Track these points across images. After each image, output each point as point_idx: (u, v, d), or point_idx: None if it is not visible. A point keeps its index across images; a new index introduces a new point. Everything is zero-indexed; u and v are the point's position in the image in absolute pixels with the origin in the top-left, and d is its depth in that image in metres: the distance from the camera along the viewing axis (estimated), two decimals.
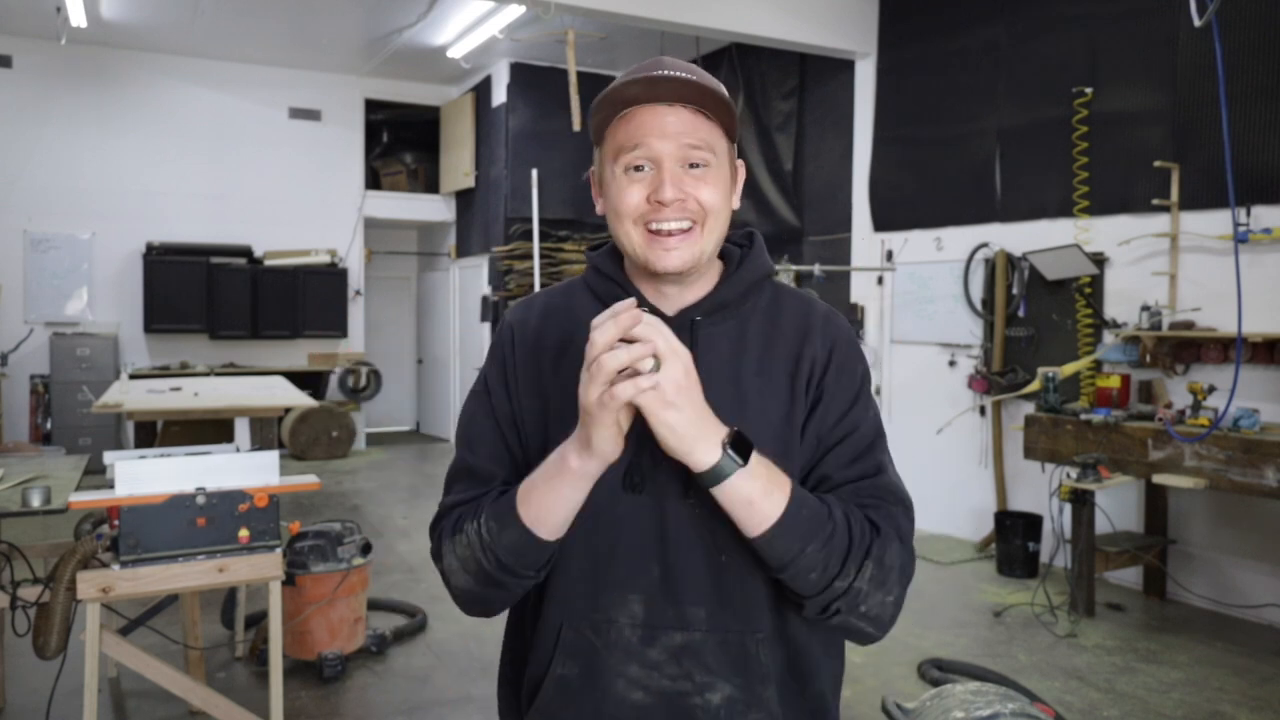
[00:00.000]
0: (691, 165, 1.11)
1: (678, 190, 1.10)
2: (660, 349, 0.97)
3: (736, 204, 1.19)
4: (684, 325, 1.16)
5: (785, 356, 1.18)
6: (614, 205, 1.13)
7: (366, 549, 4.06)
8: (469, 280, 10.39)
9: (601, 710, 1.15)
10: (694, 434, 1.01)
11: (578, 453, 1.04)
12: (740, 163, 1.22)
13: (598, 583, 1.15)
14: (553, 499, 1.08)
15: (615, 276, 1.20)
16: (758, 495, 1.04)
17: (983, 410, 6.17)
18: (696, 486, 1.07)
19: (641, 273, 1.18)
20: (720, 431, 1.03)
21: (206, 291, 9.10)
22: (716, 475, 1.03)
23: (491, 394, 1.23)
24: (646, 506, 1.13)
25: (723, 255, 1.23)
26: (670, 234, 1.11)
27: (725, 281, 1.20)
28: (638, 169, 1.11)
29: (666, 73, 1.10)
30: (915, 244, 6.65)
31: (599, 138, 1.16)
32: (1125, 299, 5.28)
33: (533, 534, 1.09)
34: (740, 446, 1.03)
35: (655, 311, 1.16)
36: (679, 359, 0.99)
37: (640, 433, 1.07)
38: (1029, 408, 5.50)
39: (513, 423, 1.21)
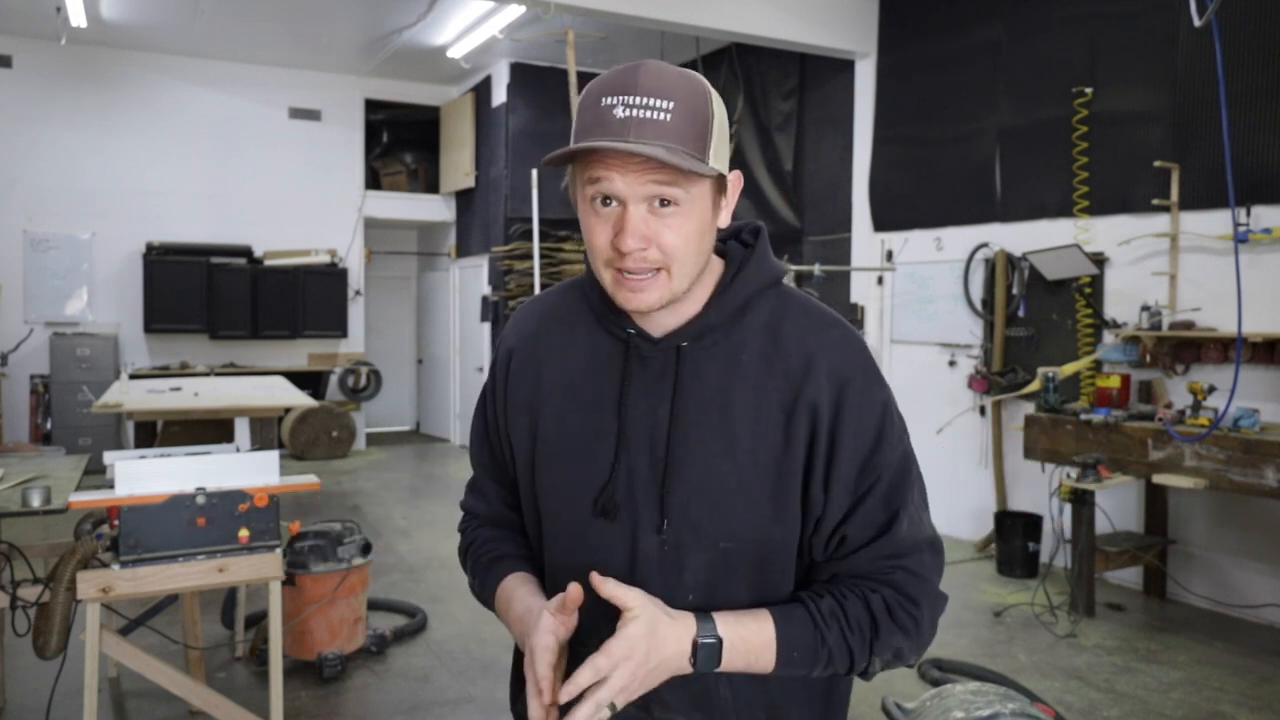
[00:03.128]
0: (661, 203, 1.03)
1: (638, 240, 1.03)
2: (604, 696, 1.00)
3: (725, 221, 1.12)
4: (670, 351, 1.13)
5: (783, 389, 1.10)
6: (585, 236, 1.09)
7: (366, 549, 4.06)
8: (469, 280, 10.39)
9: None
10: (664, 675, 1.05)
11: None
12: (736, 173, 1.12)
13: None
14: (507, 622, 1.21)
15: (606, 299, 1.14)
16: (743, 665, 1.08)
17: (983, 410, 6.17)
18: (670, 520, 1.11)
19: None
20: (683, 649, 1.04)
21: (206, 291, 9.10)
22: (704, 672, 1.07)
23: (486, 407, 1.30)
24: (619, 536, 1.13)
25: (725, 254, 1.17)
26: (637, 276, 1.06)
27: (717, 299, 1.13)
28: (604, 202, 1.04)
29: (640, 112, 1.00)
30: (915, 244, 6.65)
31: (571, 154, 1.05)
32: (1125, 299, 5.28)
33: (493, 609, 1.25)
34: (708, 634, 1.05)
35: (641, 335, 1.13)
36: (623, 672, 1.00)
37: (614, 462, 1.11)
38: (1029, 408, 5.50)
39: (501, 436, 1.26)
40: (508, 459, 1.25)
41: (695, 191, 1.04)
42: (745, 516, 1.10)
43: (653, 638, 1.02)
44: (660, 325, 1.13)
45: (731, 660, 1.05)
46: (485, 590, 1.26)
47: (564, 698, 1.00)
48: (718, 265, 1.15)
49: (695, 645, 1.04)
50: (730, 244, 1.18)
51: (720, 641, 1.04)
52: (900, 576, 1.11)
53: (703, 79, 1.08)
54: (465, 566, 1.33)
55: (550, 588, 1.19)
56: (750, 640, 1.06)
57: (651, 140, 1.00)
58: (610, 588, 1.02)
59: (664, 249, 1.04)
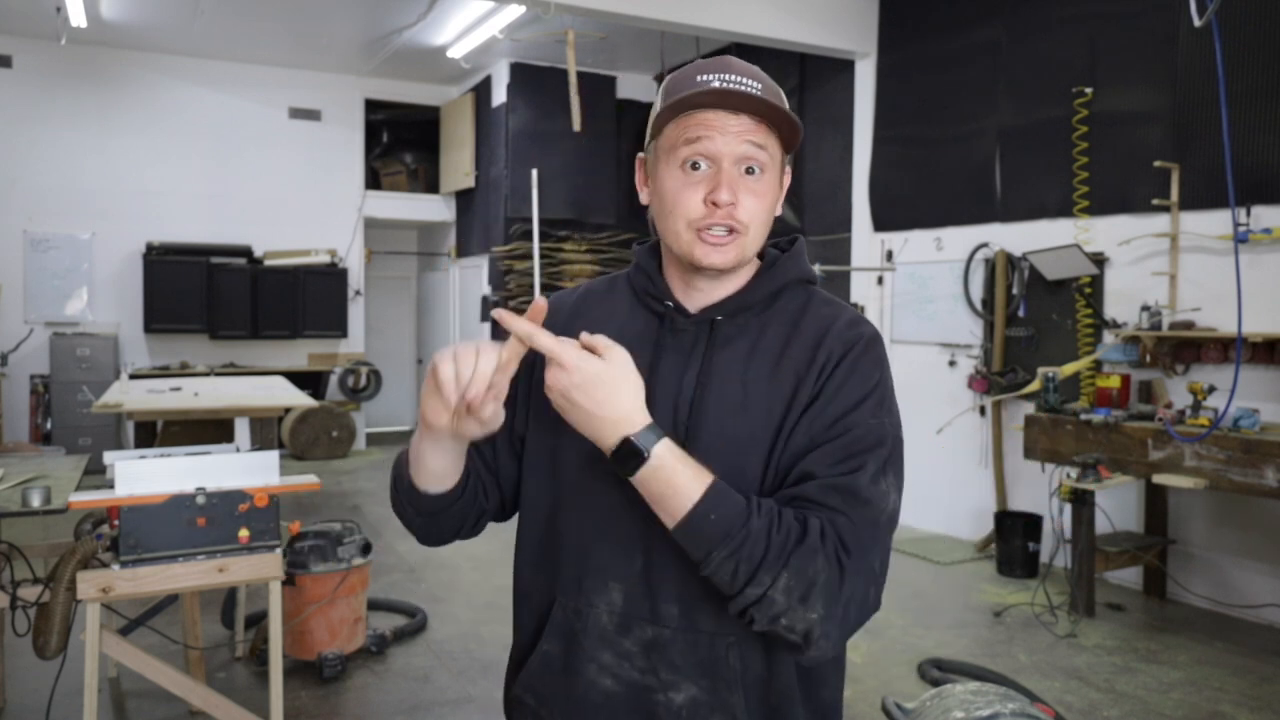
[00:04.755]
0: (748, 170, 1.13)
1: (732, 194, 1.11)
2: (549, 349, 1.03)
3: (779, 211, 1.21)
4: (704, 324, 1.19)
5: (798, 361, 1.16)
6: (668, 203, 1.15)
7: (366, 549, 4.06)
8: (469, 280, 10.39)
9: (573, 692, 1.18)
10: (586, 423, 1.05)
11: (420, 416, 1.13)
12: (788, 170, 1.22)
13: (584, 565, 1.18)
14: (418, 450, 1.17)
15: (649, 271, 1.24)
16: (658, 494, 1.05)
17: (983, 410, 6.17)
18: None
19: (676, 269, 1.22)
20: (615, 430, 1.04)
21: (206, 291, 9.10)
22: (620, 466, 1.05)
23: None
24: (638, 495, 1.12)
25: (761, 255, 1.25)
26: (718, 233, 1.13)
27: (752, 283, 1.21)
28: (694, 166, 1.13)
29: (737, 86, 1.11)
30: (915, 244, 6.65)
31: (657, 129, 1.17)
32: (1125, 299, 5.28)
33: (411, 481, 1.20)
34: (644, 442, 1.04)
35: (679, 309, 1.20)
36: (570, 371, 1.02)
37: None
38: (1029, 408, 5.50)
39: (515, 401, 1.24)
40: (511, 426, 1.24)
41: (774, 165, 1.16)
42: (757, 471, 1.13)
43: (608, 387, 1.03)
44: (697, 302, 1.20)
45: (646, 480, 1.04)
46: (402, 454, 1.24)
47: (518, 320, 1.03)
48: (755, 262, 1.24)
49: (625, 439, 1.04)
50: (768, 249, 1.26)
51: (646, 456, 1.03)
52: (843, 521, 1.06)
53: None
54: (391, 481, 1.29)
55: (569, 545, 1.19)
56: (677, 476, 1.04)
57: (748, 104, 1.11)
58: (597, 338, 1.05)
59: (747, 211, 1.13)
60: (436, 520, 1.24)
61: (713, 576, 1.05)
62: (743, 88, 1.11)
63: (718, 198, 1.11)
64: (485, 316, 9.80)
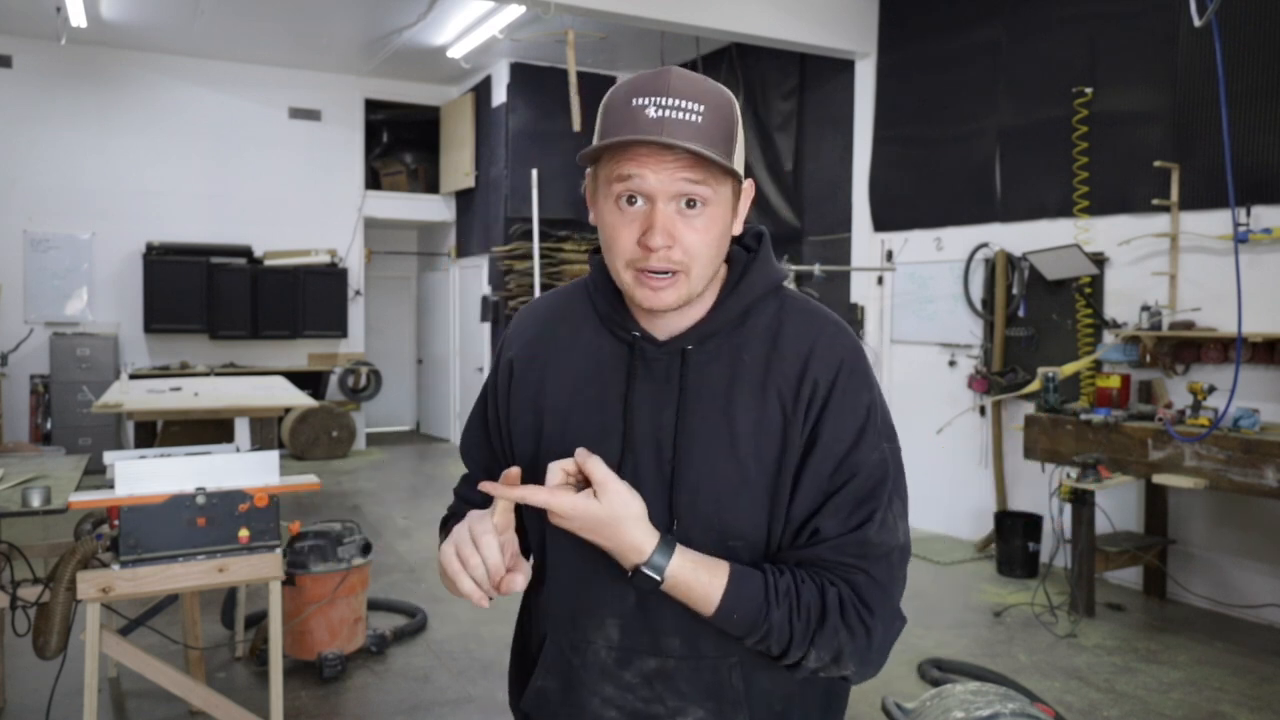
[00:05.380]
0: (688, 203, 1.06)
1: (666, 237, 1.05)
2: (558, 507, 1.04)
3: (738, 230, 1.16)
4: (674, 354, 1.15)
5: (783, 388, 1.12)
6: (607, 239, 1.11)
7: (366, 549, 4.06)
8: (469, 280, 10.39)
9: None
10: (611, 553, 1.08)
11: None
12: (749, 182, 1.15)
13: (578, 603, 1.18)
14: None
15: (610, 298, 1.18)
16: (682, 600, 1.08)
17: (983, 410, 6.17)
18: (680, 519, 1.12)
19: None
20: (625, 559, 1.06)
21: (206, 291, 9.10)
22: (639, 590, 1.08)
23: (486, 402, 1.30)
24: None
25: (729, 259, 1.19)
26: (658, 275, 1.08)
27: (721, 304, 1.15)
28: (630, 200, 1.07)
29: (674, 114, 1.03)
30: (915, 244, 6.65)
31: (594, 157, 1.09)
32: (1125, 299, 5.28)
33: None
34: (654, 569, 1.06)
35: (645, 338, 1.15)
36: (570, 519, 1.04)
37: (620, 462, 1.13)
38: (1029, 408, 5.50)
39: (502, 437, 1.26)
40: (508, 459, 1.25)
41: (719, 195, 1.08)
42: (750, 514, 1.11)
43: (610, 526, 1.05)
44: (665, 328, 1.15)
45: (668, 591, 1.07)
46: (444, 527, 1.29)
47: (506, 489, 1.04)
48: (722, 270, 1.17)
49: (635, 570, 1.06)
50: (734, 248, 1.19)
51: (660, 580, 1.06)
52: (861, 580, 1.09)
53: (725, 88, 1.11)
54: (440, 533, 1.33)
55: (561, 582, 1.19)
56: (694, 587, 1.06)
57: (684, 140, 1.02)
58: (592, 464, 1.05)
59: (687, 250, 1.07)
60: None
61: (751, 650, 1.12)
62: (680, 115, 1.03)
63: (650, 242, 1.05)
64: (485, 316, 9.80)
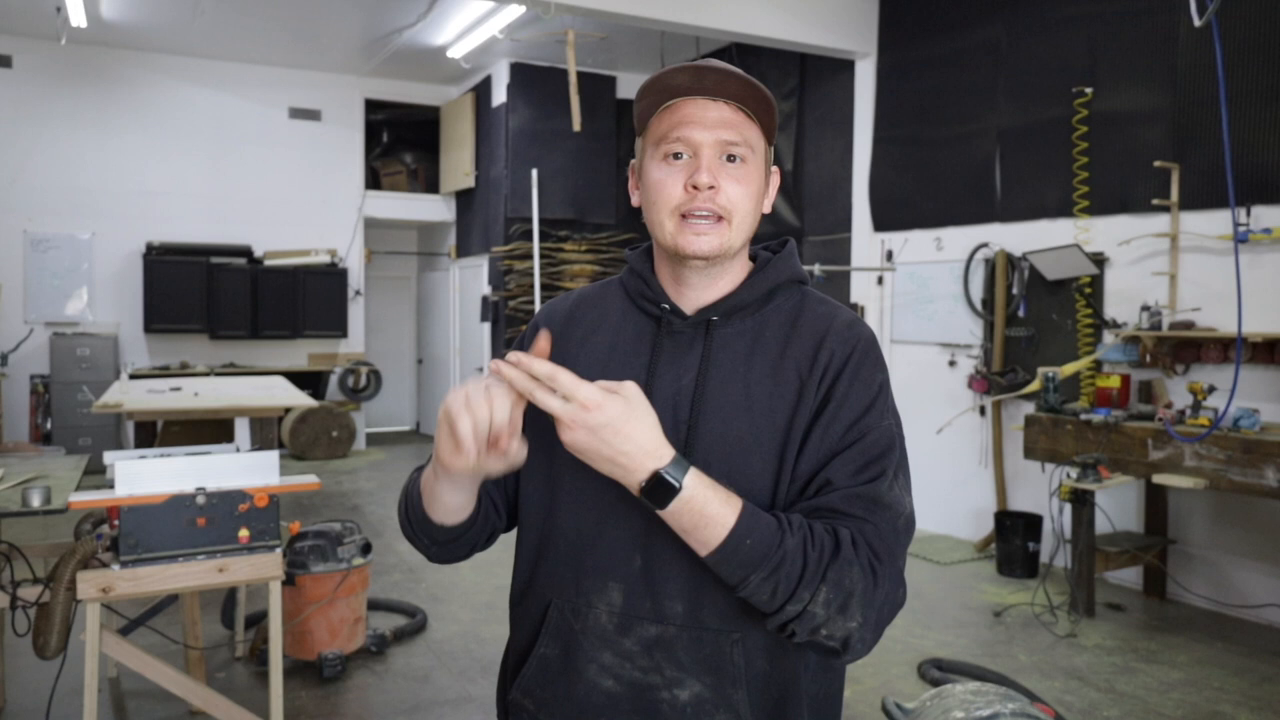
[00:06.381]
0: (729, 159, 1.15)
1: (711, 177, 1.13)
2: (564, 390, 1.00)
3: (768, 208, 1.22)
4: (700, 325, 1.20)
5: (800, 360, 1.17)
6: (652, 194, 1.17)
7: (366, 549, 4.06)
8: (469, 280, 10.39)
9: (573, 694, 1.17)
10: (608, 466, 1.04)
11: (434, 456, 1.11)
12: (775, 169, 1.24)
13: (581, 566, 1.18)
14: (432, 489, 1.16)
15: (643, 274, 1.25)
16: (690, 525, 1.04)
17: (983, 410, 6.17)
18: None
19: (668, 269, 1.22)
20: (643, 464, 1.02)
21: (206, 291, 9.10)
22: (652, 500, 1.04)
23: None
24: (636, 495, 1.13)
25: (753, 258, 1.26)
26: (701, 219, 1.15)
27: (747, 283, 1.21)
28: (676, 156, 1.15)
29: (714, 64, 1.15)
30: (915, 244, 6.65)
31: (642, 126, 1.20)
32: (1125, 299, 5.28)
33: (426, 514, 1.20)
34: (673, 474, 1.02)
35: (675, 311, 1.20)
36: (593, 410, 1.00)
37: None
38: (1029, 408, 5.50)
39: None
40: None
41: (756, 157, 1.18)
42: (761, 473, 1.13)
43: (633, 423, 1.01)
44: (692, 303, 1.21)
45: (678, 512, 1.03)
46: (416, 485, 1.22)
47: (534, 361, 1.01)
48: (747, 264, 1.25)
49: (655, 474, 1.02)
50: (760, 250, 1.28)
51: (679, 488, 1.02)
52: (870, 530, 1.08)
53: None
54: (400, 506, 1.28)
55: (565, 547, 1.19)
56: (710, 503, 1.03)
57: (725, 96, 1.15)
58: (608, 383, 1.02)
59: (729, 198, 1.15)
60: (452, 546, 1.25)
61: (750, 597, 1.07)
62: (720, 79, 1.14)
63: (697, 180, 1.13)
64: (485, 316, 9.80)
